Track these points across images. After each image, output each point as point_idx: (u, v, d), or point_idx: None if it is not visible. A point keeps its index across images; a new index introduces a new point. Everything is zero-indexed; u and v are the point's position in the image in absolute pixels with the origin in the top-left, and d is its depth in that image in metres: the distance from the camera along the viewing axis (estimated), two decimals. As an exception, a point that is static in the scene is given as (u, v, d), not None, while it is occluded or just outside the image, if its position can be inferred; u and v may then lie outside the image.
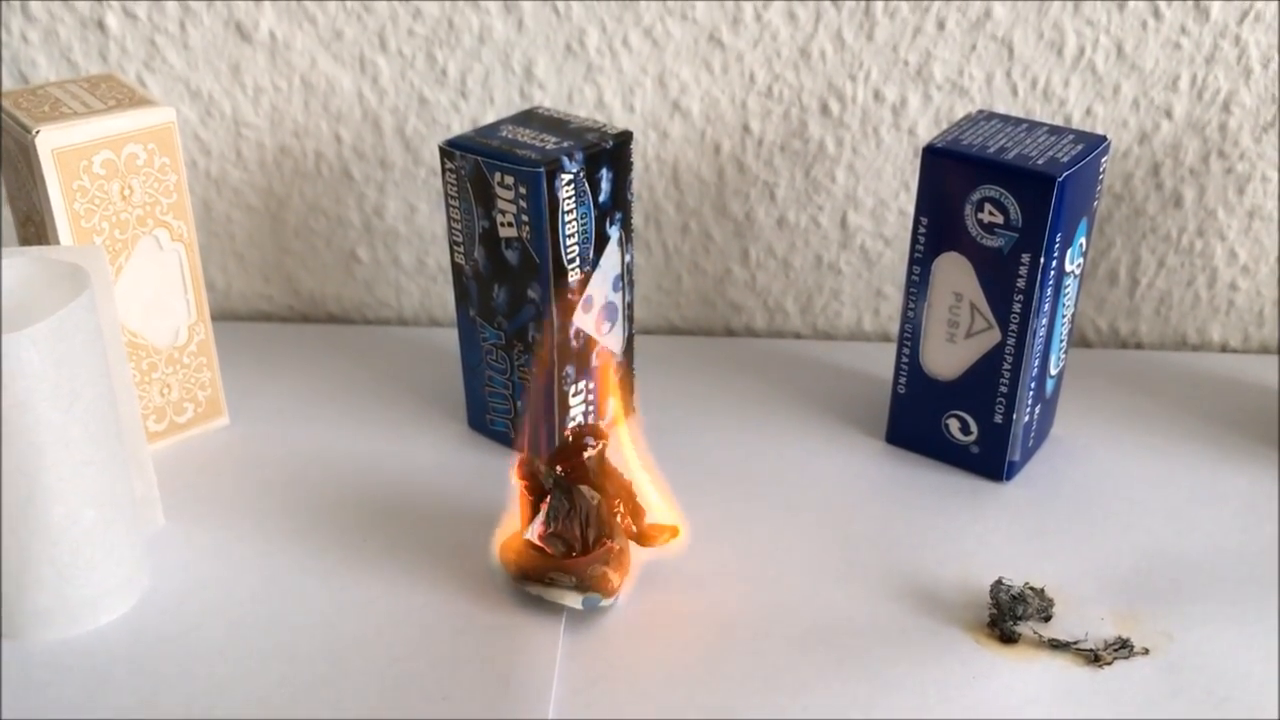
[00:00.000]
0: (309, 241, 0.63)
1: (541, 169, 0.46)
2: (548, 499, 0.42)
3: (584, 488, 0.43)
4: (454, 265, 0.50)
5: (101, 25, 0.58)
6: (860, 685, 0.40)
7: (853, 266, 0.61)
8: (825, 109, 0.58)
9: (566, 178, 0.46)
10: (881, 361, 0.59)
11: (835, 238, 0.61)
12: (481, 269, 0.49)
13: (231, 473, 0.51)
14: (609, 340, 0.52)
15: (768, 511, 0.49)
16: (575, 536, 0.42)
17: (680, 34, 0.56)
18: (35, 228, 0.48)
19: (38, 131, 0.45)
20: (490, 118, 0.59)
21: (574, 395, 0.51)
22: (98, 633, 0.42)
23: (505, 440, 0.53)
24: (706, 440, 0.53)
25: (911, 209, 0.59)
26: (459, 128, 0.59)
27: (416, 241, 0.62)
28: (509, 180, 0.46)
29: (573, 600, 0.42)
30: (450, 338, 0.62)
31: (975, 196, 0.46)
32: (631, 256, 0.51)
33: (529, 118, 0.50)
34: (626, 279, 0.51)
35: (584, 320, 0.50)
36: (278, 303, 0.65)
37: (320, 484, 0.50)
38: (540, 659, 0.41)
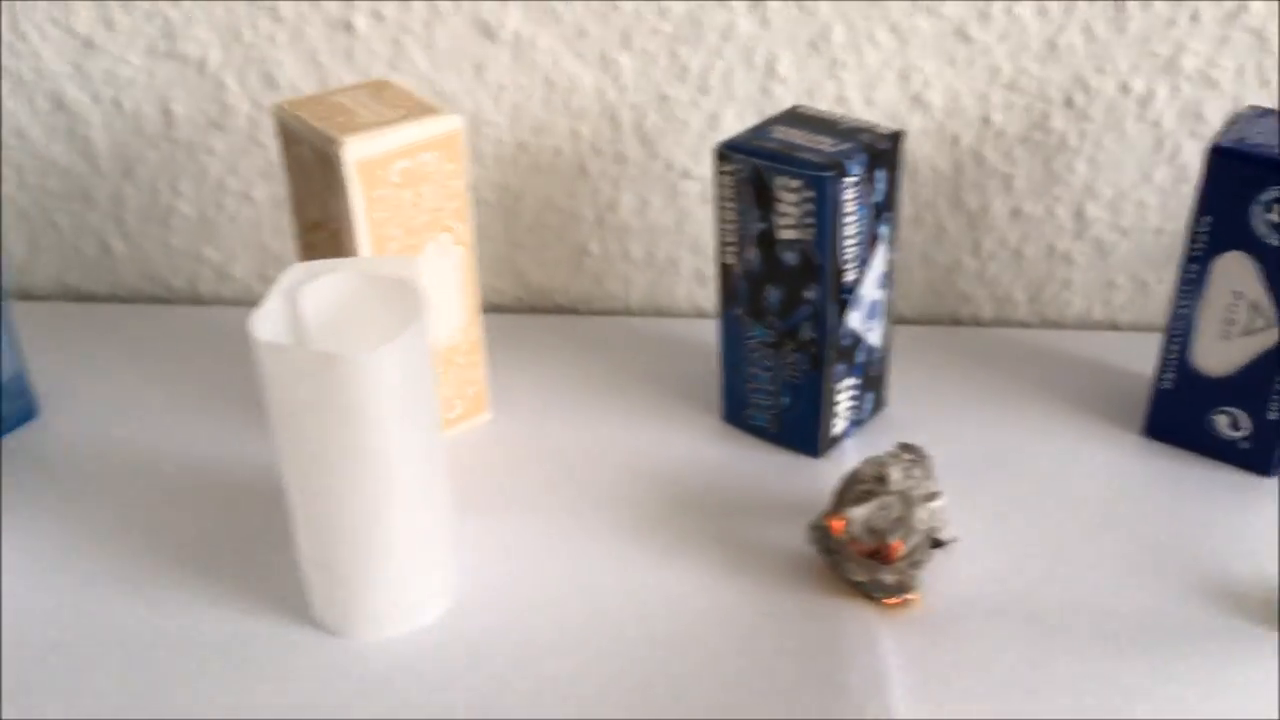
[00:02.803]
0: (540, 236, 0.64)
1: (830, 174, 0.46)
2: (875, 497, 0.44)
3: (921, 509, 0.44)
4: (723, 265, 0.51)
5: (349, 26, 0.59)
6: (1188, 688, 0.41)
7: (1086, 256, 0.61)
8: (1069, 101, 0.58)
9: (850, 181, 0.47)
10: (1115, 350, 0.59)
11: (1069, 228, 0.61)
12: (755, 269, 0.50)
13: (502, 468, 0.52)
14: (872, 337, 0.52)
15: (1038, 506, 0.49)
16: (884, 544, 0.44)
17: (927, 28, 0.57)
18: (328, 235, 0.49)
19: (343, 143, 0.46)
20: (729, 114, 0.59)
21: (840, 393, 0.52)
22: (425, 630, 0.44)
23: (763, 434, 0.54)
24: (963, 434, 0.54)
25: (1152, 200, 0.59)
26: (697, 123, 0.60)
27: (647, 235, 0.63)
28: (794, 184, 0.47)
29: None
30: (680, 326, 0.63)
31: (1265, 196, 0.46)
32: (895, 254, 0.51)
33: (794, 118, 0.50)
34: (890, 276, 0.52)
35: (852, 318, 0.51)
36: (506, 295, 0.66)
37: (590, 478, 0.51)
38: (863, 655, 0.42)
